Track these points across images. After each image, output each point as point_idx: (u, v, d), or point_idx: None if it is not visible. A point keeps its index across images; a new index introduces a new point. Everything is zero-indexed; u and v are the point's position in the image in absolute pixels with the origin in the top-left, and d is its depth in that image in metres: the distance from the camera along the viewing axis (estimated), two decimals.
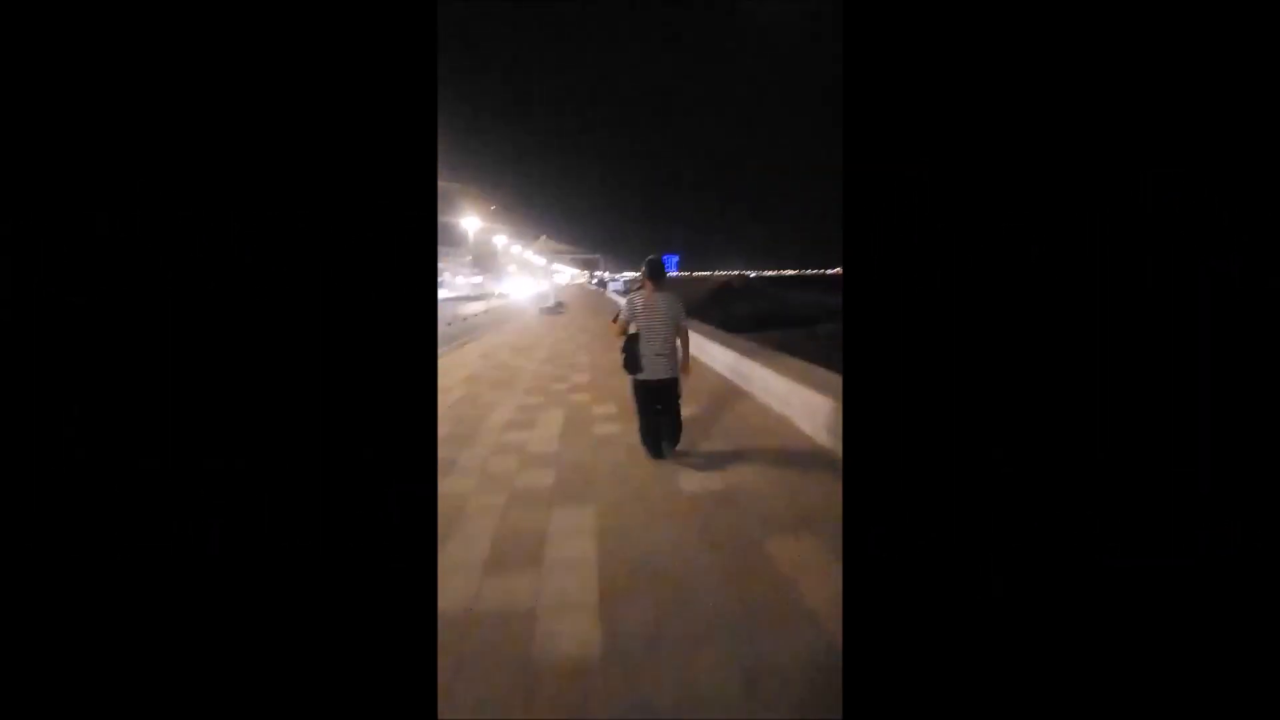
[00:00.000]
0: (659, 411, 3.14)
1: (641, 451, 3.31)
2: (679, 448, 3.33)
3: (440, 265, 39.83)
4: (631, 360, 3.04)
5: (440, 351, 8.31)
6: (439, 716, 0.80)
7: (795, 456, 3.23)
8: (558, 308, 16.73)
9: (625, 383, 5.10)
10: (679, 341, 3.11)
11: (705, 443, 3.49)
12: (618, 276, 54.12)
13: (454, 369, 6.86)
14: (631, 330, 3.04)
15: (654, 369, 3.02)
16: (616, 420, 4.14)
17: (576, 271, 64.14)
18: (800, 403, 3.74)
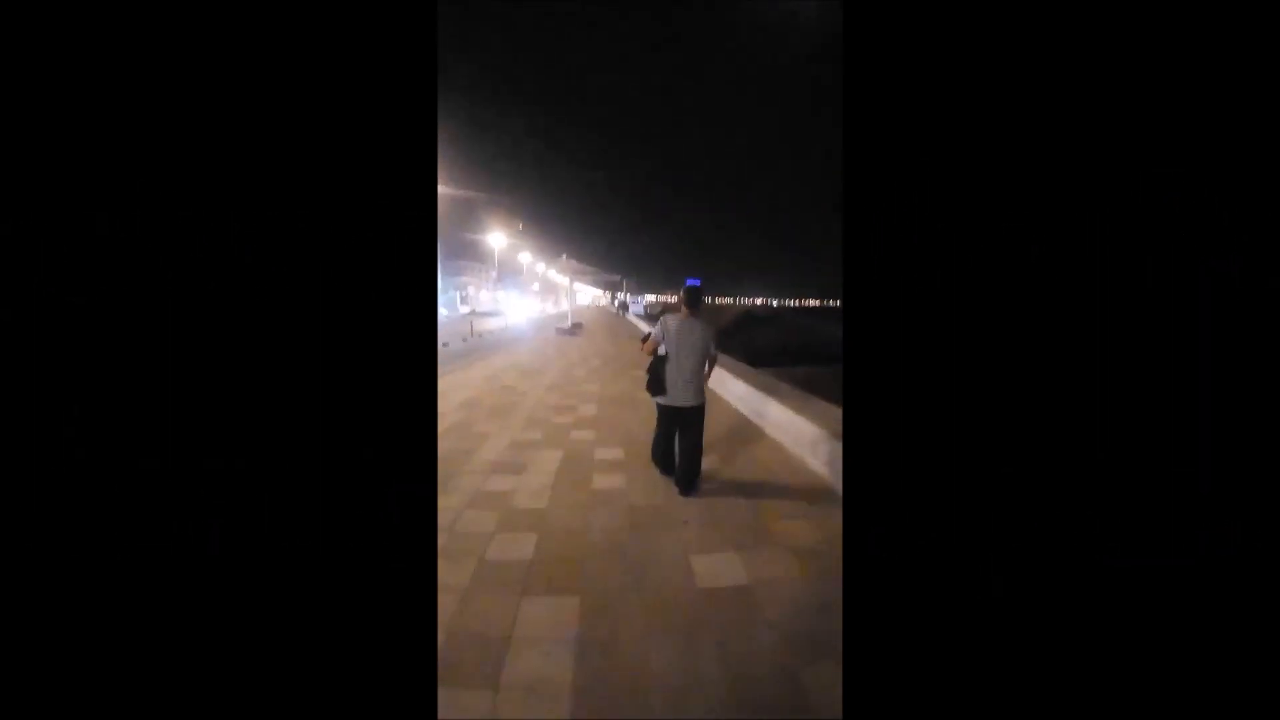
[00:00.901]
0: (678, 441, 3.08)
1: (647, 518, 2.75)
2: (693, 502, 2.96)
3: (464, 279, 40.23)
4: (655, 382, 3.01)
5: (447, 370, 7.89)
6: (439, 717, 0.79)
7: (838, 534, 2.61)
8: (574, 329, 16.34)
9: (634, 419, 4.58)
10: (706, 369, 3.05)
11: (727, 512, 2.88)
12: (638, 299, 54.08)
13: (454, 391, 6.42)
14: (660, 352, 3.02)
15: (678, 395, 2.97)
16: (621, 469, 3.54)
17: (599, 292, 64.38)
18: (840, 460, 3.13)
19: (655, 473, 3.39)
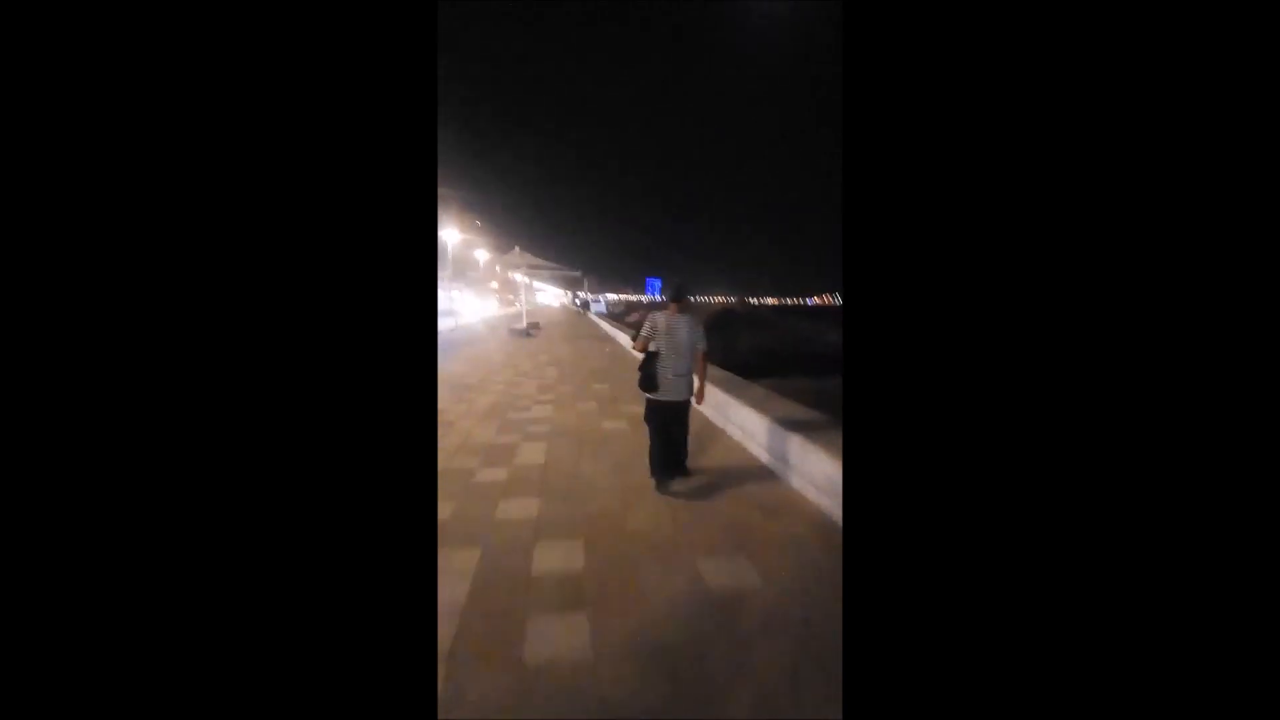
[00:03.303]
0: (669, 434, 3.18)
1: None
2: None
3: None
4: (648, 380, 3.09)
5: None
6: (439, 717, 0.80)
7: None
8: (530, 330, 14.72)
9: (604, 467, 3.20)
10: (696, 365, 3.19)
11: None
12: (599, 298, 53.12)
13: None
14: (651, 349, 3.12)
15: (670, 390, 3.08)
16: (580, 602, 2.05)
17: (560, 291, 62.52)
18: None
19: (637, 618, 1.97)
